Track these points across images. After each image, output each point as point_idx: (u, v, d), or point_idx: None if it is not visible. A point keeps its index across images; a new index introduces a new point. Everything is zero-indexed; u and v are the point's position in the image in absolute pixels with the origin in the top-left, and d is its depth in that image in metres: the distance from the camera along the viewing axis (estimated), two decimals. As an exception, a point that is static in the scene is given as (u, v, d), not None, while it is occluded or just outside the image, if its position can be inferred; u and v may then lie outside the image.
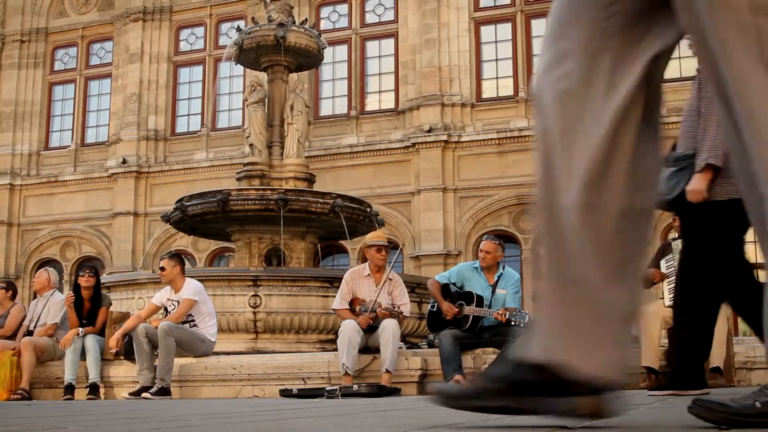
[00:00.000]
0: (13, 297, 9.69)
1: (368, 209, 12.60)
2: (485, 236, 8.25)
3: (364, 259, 8.73)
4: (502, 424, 2.11)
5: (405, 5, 21.08)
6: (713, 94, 1.78)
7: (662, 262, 7.22)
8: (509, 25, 20.37)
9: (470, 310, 7.46)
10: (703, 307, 4.25)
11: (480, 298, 7.53)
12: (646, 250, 1.96)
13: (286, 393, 7.03)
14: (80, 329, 8.37)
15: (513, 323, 7.37)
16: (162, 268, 8.25)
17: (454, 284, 7.73)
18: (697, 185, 4.32)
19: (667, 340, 7.20)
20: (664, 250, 7.35)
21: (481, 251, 7.76)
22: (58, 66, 24.44)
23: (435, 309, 7.76)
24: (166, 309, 8.30)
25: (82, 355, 8.23)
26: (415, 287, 10.15)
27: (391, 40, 21.38)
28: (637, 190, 1.85)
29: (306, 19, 14.82)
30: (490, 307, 7.52)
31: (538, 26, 20.21)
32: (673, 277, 7.03)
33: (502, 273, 7.78)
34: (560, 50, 1.87)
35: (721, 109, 1.70)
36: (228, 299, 9.98)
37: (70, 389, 8.13)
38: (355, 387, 6.81)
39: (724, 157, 4.12)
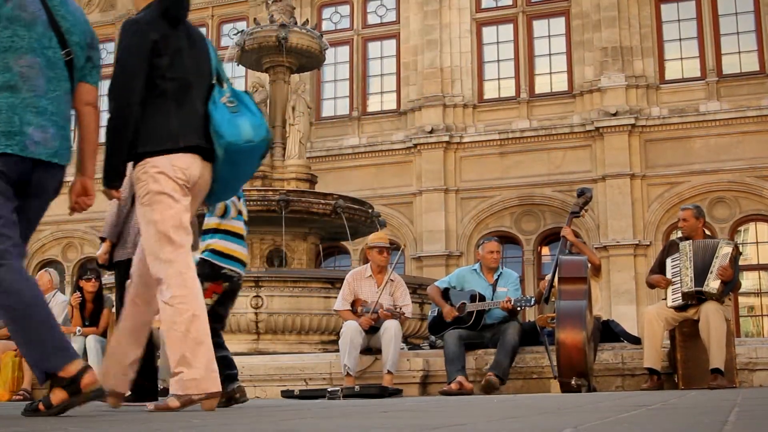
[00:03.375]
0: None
1: (370, 210, 12.59)
2: (485, 238, 8.24)
3: (365, 260, 8.73)
4: (504, 425, 2.11)
5: (407, 6, 21.07)
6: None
7: (668, 261, 7.22)
8: (511, 26, 20.36)
9: (474, 305, 7.47)
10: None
11: (482, 297, 7.54)
12: None
13: (287, 394, 7.03)
14: (78, 328, 8.37)
15: (519, 308, 7.40)
16: None
17: (454, 287, 7.73)
18: (101, 251, 5.92)
19: (669, 341, 7.19)
20: (670, 249, 7.35)
21: (492, 252, 7.72)
22: (60, 67, 24.45)
23: (437, 314, 7.76)
24: (167, 310, 8.29)
25: (84, 356, 8.23)
26: (417, 288, 10.14)
27: (393, 41, 21.38)
28: None
29: (308, 20, 14.81)
30: (491, 306, 7.54)
31: (540, 27, 20.22)
32: (678, 278, 7.04)
33: (501, 273, 7.79)
34: None
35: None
36: (230, 300, 9.96)
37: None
38: (357, 388, 6.81)
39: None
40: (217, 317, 4.90)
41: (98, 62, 3.80)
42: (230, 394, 4.82)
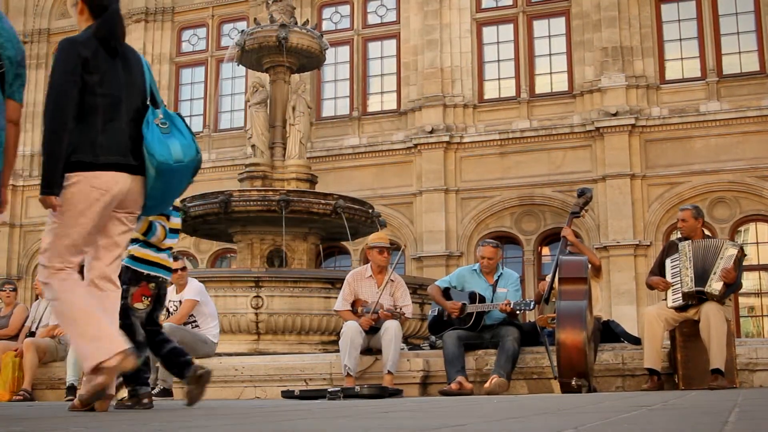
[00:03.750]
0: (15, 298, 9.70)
1: (370, 210, 12.59)
2: (482, 241, 8.23)
3: (366, 261, 8.72)
4: (505, 426, 2.11)
5: (407, 6, 21.07)
6: None
7: (668, 261, 7.21)
8: (511, 26, 20.36)
9: (473, 307, 7.47)
10: None
11: (482, 297, 7.54)
12: None
13: (287, 394, 7.02)
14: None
15: (518, 311, 7.38)
16: (184, 268, 8.23)
17: (454, 287, 7.73)
18: None
19: (669, 342, 7.19)
20: (669, 250, 7.34)
21: (483, 258, 7.75)
22: (60, 67, 24.44)
23: (437, 313, 7.76)
24: (168, 310, 8.29)
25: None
26: (417, 288, 10.14)
27: (393, 41, 21.38)
28: None
29: (308, 20, 14.81)
30: (491, 306, 7.54)
31: (540, 27, 20.21)
32: (678, 278, 7.03)
33: (501, 273, 7.79)
34: None
35: None
36: (230, 300, 9.98)
37: (72, 390, 8.11)
38: (357, 388, 6.80)
39: None
40: (151, 321, 5.28)
41: (25, 81, 4.01)
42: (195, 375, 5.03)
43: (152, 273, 5.25)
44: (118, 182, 4.05)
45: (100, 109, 4.03)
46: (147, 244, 5.26)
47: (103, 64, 4.07)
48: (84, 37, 4.11)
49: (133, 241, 5.30)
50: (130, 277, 5.16)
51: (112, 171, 4.03)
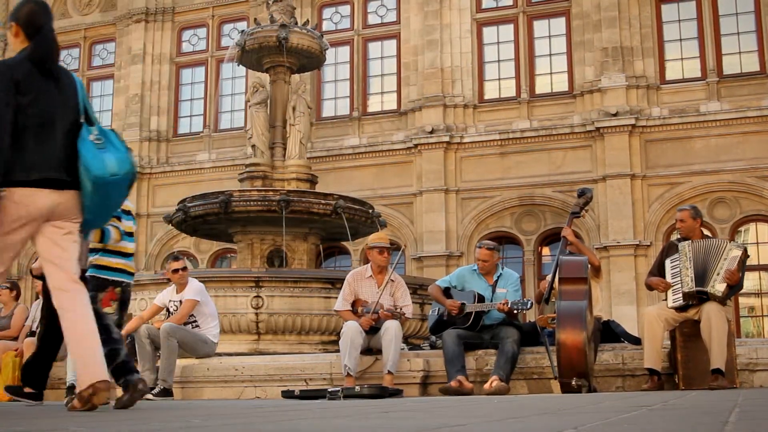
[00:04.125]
0: (17, 298, 9.70)
1: (370, 210, 12.59)
2: (479, 243, 8.23)
3: (366, 261, 8.72)
4: (505, 426, 2.11)
5: (407, 6, 21.07)
6: None
7: (667, 262, 7.20)
8: (511, 27, 20.36)
9: (472, 306, 7.47)
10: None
11: (481, 297, 7.54)
12: None
13: (288, 394, 7.03)
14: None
15: (516, 311, 7.37)
16: (185, 268, 8.24)
17: (455, 287, 7.73)
18: (36, 264, 5.97)
19: (669, 342, 7.19)
20: (668, 250, 7.34)
21: (478, 260, 7.77)
22: (60, 67, 24.45)
23: (437, 313, 7.76)
24: (168, 310, 8.30)
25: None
26: (417, 289, 10.14)
27: (394, 42, 21.38)
28: None
29: (308, 20, 14.81)
30: (490, 306, 7.53)
31: (541, 27, 20.22)
32: (678, 278, 7.03)
33: (501, 273, 7.79)
34: None
35: None
36: (230, 300, 9.98)
37: (72, 390, 8.11)
38: (357, 388, 6.81)
39: None
40: (115, 323, 5.57)
41: None
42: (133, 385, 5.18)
43: (117, 279, 5.53)
44: (48, 198, 4.20)
45: (33, 128, 4.18)
46: (107, 252, 5.49)
47: (36, 84, 4.23)
48: (17, 59, 4.28)
49: (92, 251, 5.60)
50: (96, 285, 5.43)
51: (44, 188, 4.18)
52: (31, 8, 4.38)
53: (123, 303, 5.74)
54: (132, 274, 5.77)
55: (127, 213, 5.77)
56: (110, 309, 5.47)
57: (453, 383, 7.02)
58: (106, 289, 5.48)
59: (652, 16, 19.27)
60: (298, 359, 8.20)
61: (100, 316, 5.11)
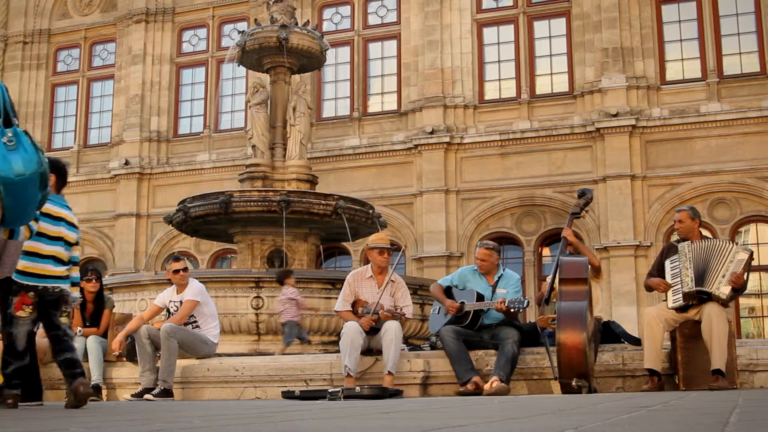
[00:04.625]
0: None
1: (370, 211, 12.59)
2: (478, 243, 8.23)
3: (366, 261, 8.73)
4: (505, 427, 2.11)
5: (407, 7, 21.07)
6: None
7: (667, 263, 7.20)
8: (512, 27, 20.37)
9: (471, 305, 7.47)
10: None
11: (481, 296, 7.54)
12: None
13: (288, 395, 7.03)
14: (79, 328, 8.36)
15: (513, 310, 7.36)
16: (185, 269, 8.24)
17: (456, 287, 7.74)
18: None
19: (669, 342, 7.19)
20: (669, 251, 7.34)
21: (477, 259, 7.78)
22: (60, 67, 24.47)
23: (437, 312, 7.76)
24: (168, 310, 8.29)
25: (85, 356, 8.23)
26: (418, 289, 10.15)
27: (394, 42, 21.38)
28: None
29: (308, 21, 14.81)
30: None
31: (541, 28, 20.22)
32: (679, 279, 7.03)
33: (502, 274, 7.79)
34: None
35: None
36: (230, 301, 9.98)
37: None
38: (358, 389, 6.80)
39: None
40: (52, 326, 5.61)
41: None
42: (74, 390, 5.25)
43: (30, 283, 5.48)
44: None
45: None
46: (27, 254, 5.45)
47: None
48: None
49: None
50: (14, 289, 5.46)
51: None
52: None
53: (51, 304, 5.57)
54: (53, 278, 5.60)
55: (70, 224, 5.71)
56: (22, 313, 5.39)
57: (469, 386, 7.02)
58: (19, 293, 5.44)
59: (652, 17, 19.27)
60: (298, 360, 8.19)
61: (11, 323, 5.34)
